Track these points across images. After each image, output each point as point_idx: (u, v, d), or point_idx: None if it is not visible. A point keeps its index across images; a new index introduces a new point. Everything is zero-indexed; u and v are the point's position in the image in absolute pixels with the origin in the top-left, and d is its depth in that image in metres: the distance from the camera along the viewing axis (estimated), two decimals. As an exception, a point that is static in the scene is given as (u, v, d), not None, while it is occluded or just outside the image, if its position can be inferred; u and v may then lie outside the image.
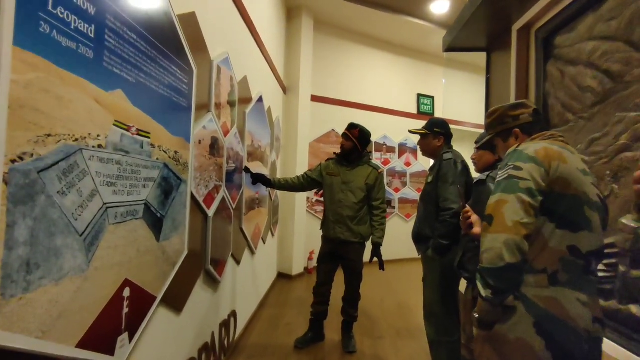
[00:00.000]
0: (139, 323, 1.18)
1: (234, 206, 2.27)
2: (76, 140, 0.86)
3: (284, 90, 4.51)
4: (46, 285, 0.78)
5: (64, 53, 0.81)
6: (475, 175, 1.97)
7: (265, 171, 3.30)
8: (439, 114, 6.06)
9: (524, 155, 0.99)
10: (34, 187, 0.74)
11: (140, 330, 1.19)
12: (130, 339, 1.13)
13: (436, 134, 2.06)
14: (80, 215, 0.88)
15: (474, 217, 1.24)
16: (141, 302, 1.19)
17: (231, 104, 2.17)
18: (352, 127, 2.52)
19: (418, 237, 2.02)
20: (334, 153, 2.66)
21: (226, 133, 2.07)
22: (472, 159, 1.70)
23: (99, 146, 0.95)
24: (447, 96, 5.24)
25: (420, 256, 2.08)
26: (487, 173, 1.47)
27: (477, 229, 1.22)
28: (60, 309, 0.83)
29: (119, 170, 1.04)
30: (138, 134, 1.13)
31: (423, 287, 2.03)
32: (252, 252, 2.93)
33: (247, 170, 2.30)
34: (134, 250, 1.13)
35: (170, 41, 1.35)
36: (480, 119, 6.39)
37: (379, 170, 2.56)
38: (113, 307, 1.03)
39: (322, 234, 2.61)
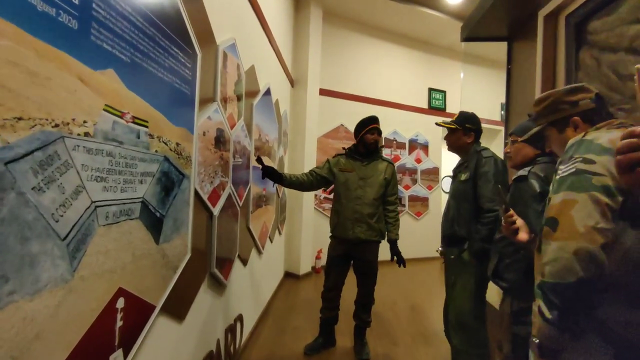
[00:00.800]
0: (135, 337, 1.05)
1: (240, 204, 2.13)
2: (56, 126, 0.72)
3: (292, 83, 4.36)
4: (17, 301, 0.65)
5: (38, 19, 0.67)
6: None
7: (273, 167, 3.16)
8: (451, 109, 5.87)
9: (595, 146, 0.81)
10: (0, 181, 0.60)
11: (136, 344, 1.05)
12: (125, 355, 1.00)
13: (467, 129, 1.91)
14: (62, 216, 0.74)
15: (520, 221, 1.09)
16: (138, 313, 1.05)
17: (238, 94, 2.02)
18: (377, 120, 2.39)
19: (451, 239, 1.85)
20: (343, 148, 2.52)
21: (232, 125, 1.92)
22: (505, 152, 1.53)
23: (86, 134, 0.81)
24: (463, 91, 5.03)
25: (447, 258, 1.91)
26: (527, 168, 1.31)
27: (523, 235, 1.06)
28: (37, 328, 0.69)
29: (111, 163, 0.90)
30: (134, 122, 0.99)
31: (451, 294, 1.85)
32: (259, 252, 2.79)
33: (259, 160, 2.14)
34: (129, 255, 0.99)
35: (172, 20, 1.20)
36: (495, 115, 6.22)
37: (394, 164, 2.45)
38: (104, 321, 0.89)
39: (333, 234, 2.43)
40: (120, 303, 0.96)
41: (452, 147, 1.98)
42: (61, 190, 0.74)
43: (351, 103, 5.06)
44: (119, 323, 0.96)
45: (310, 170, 2.43)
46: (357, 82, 5.16)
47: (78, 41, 0.77)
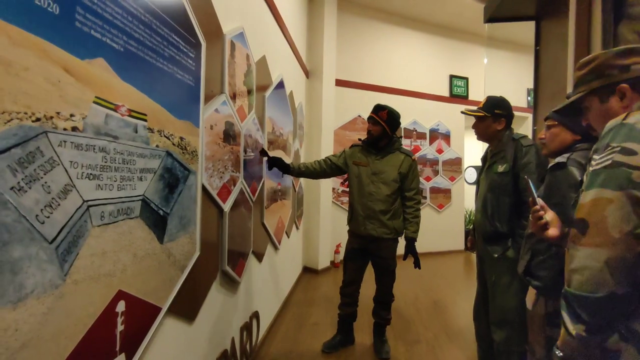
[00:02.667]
0: (139, 340, 1.00)
1: (253, 199, 2.08)
2: (37, 120, 0.66)
3: (307, 74, 4.26)
4: (-2, 311, 0.60)
5: (10, 2, 0.61)
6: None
7: (287, 160, 3.09)
8: (474, 96, 5.62)
9: (638, 133, 0.68)
10: (-30, 182, 0.55)
11: (141, 348, 1.01)
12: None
13: (497, 116, 1.75)
14: (48, 218, 0.68)
15: (550, 215, 0.96)
16: (141, 316, 1.01)
17: (248, 85, 1.95)
18: (379, 108, 2.23)
19: (493, 236, 1.70)
20: (359, 139, 2.37)
21: (243, 118, 1.86)
22: (540, 138, 1.39)
23: (74, 129, 0.75)
24: (486, 77, 4.79)
25: (487, 257, 1.76)
26: (566, 155, 1.17)
27: (553, 231, 0.94)
28: (23, 338, 0.64)
29: (105, 160, 0.84)
30: (130, 115, 0.93)
31: (493, 292, 1.73)
32: (276, 248, 2.74)
33: (263, 152, 2.07)
34: (129, 256, 0.94)
35: (171, 6, 1.13)
36: (522, 101, 5.92)
37: (413, 158, 2.28)
38: (102, 326, 0.85)
39: (349, 228, 2.37)
40: (121, 306, 0.91)
41: (482, 136, 1.82)
42: (46, 189, 0.68)
43: (368, 93, 4.91)
44: (120, 327, 0.91)
45: (325, 158, 2.35)
46: (374, 72, 5.00)
47: (60, 27, 0.71)
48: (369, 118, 2.25)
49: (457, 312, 3.07)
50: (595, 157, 0.75)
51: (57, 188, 0.71)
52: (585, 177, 0.77)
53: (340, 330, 2.39)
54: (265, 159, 2.12)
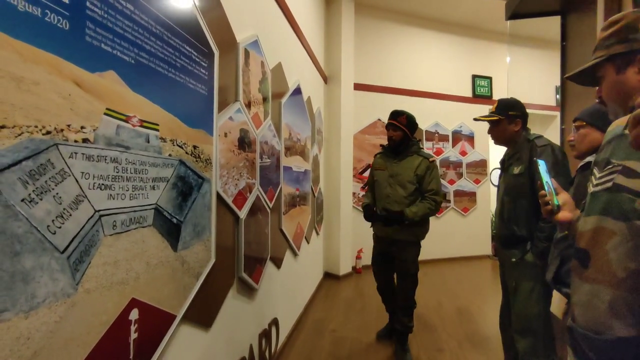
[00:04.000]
0: (153, 348, 1.01)
1: (271, 205, 2.08)
2: (48, 133, 0.68)
3: (325, 80, 4.26)
4: (10, 320, 0.61)
5: (21, 20, 0.63)
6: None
7: (306, 166, 3.09)
8: (498, 96, 5.44)
9: None
10: (-18, 194, 0.57)
11: (155, 355, 1.02)
12: (143, 368, 0.96)
13: (512, 117, 1.70)
14: (59, 228, 0.70)
15: (563, 197, 0.84)
16: (155, 324, 1.02)
17: (263, 92, 1.96)
18: (398, 114, 2.27)
19: (511, 240, 1.67)
20: (380, 145, 2.45)
21: (258, 125, 1.87)
22: (568, 140, 1.31)
23: (85, 140, 0.77)
24: (511, 76, 4.63)
25: (506, 261, 1.72)
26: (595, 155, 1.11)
27: (564, 215, 0.83)
28: (35, 346, 0.66)
29: (117, 170, 0.86)
30: (141, 126, 0.95)
31: (514, 299, 1.67)
32: (295, 254, 2.73)
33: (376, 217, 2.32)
34: (142, 264, 0.95)
35: (182, 17, 1.16)
36: (550, 99, 5.70)
37: (431, 159, 2.26)
38: (115, 334, 0.86)
39: (373, 231, 2.45)
40: (134, 314, 0.92)
41: (500, 140, 1.78)
42: (58, 200, 0.70)
43: (388, 96, 4.85)
44: (134, 335, 0.92)
45: (367, 192, 2.52)
46: (393, 74, 4.94)
47: (70, 42, 0.73)
48: (389, 125, 2.28)
49: (483, 320, 2.95)
50: (595, 172, 0.66)
51: (69, 199, 0.73)
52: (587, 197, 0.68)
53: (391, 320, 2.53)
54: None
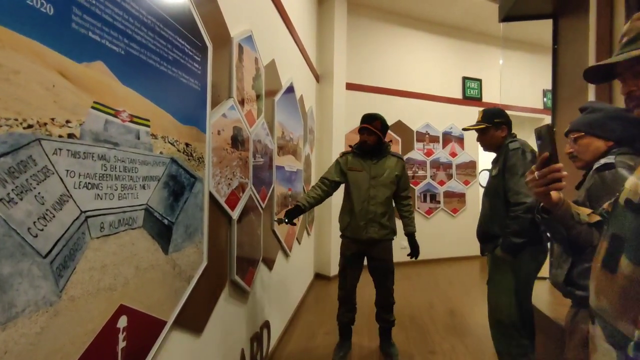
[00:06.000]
0: (143, 356, 0.95)
1: (263, 205, 2.03)
2: (29, 127, 0.62)
3: (317, 78, 4.22)
4: (-15, 332, 0.55)
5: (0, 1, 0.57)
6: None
7: (299, 165, 3.05)
8: (488, 98, 5.50)
9: None
10: (-46, 194, 0.51)
11: (145, 364, 0.96)
12: (131, 378, 0.90)
13: (498, 124, 1.83)
14: (41, 230, 0.64)
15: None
16: (145, 331, 0.96)
17: (257, 90, 1.91)
18: (372, 118, 2.25)
19: (484, 236, 1.82)
20: (350, 146, 2.41)
21: (252, 123, 1.81)
22: (567, 153, 1.29)
23: (70, 136, 0.71)
24: (502, 78, 4.66)
25: (486, 256, 1.86)
26: (610, 157, 1.09)
27: (556, 194, 0.81)
28: (13, 359, 0.60)
29: (104, 168, 0.80)
30: (131, 121, 0.89)
31: (487, 291, 1.81)
32: (286, 255, 2.69)
33: (281, 221, 2.09)
34: (131, 268, 0.90)
35: (176, 8, 1.10)
36: (538, 103, 5.77)
37: (403, 159, 2.37)
38: (102, 343, 0.80)
39: (344, 234, 2.34)
40: (123, 322, 0.87)
41: (488, 147, 1.89)
42: (40, 200, 0.64)
43: (380, 96, 4.85)
44: (122, 344, 0.87)
45: (322, 179, 2.32)
46: (385, 75, 4.93)
47: (55, 29, 0.67)
48: (363, 129, 2.25)
49: (475, 320, 2.95)
50: None
51: (52, 199, 0.67)
52: None
53: (346, 337, 2.38)
54: (285, 220, 2.10)
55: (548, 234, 1.40)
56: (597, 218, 0.85)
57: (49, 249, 0.66)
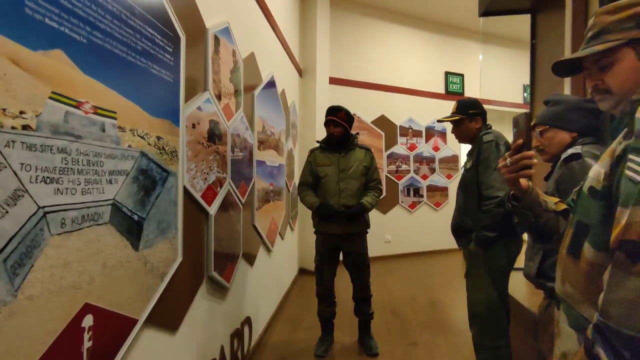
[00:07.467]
0: (111, 356, 0.93)
1: (243, 200, 2.00)
2: (-23, 117, 0.59)
3: (300, 73, 4.19)
4: None
5: (-62, -18, 0.53)
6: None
7: (281, 160, 3.02)
8: (470, 93, 5.56)
9: None
10: None
11: (114, 364, 0.93)
12: (99, 378, 0.88)
13: (472, 116, 1.80)
14: (-7, 227, 0.61)
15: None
16: (113, 330, 0.93)
17: (235, 83, 1.88)
18: (337, 110, 2.25)
19: (458, 230, 1.82)
20: (317, 141, 2.43)
21: (229, 117, 1.78)
22: (535, 147, 1.31)
23: (25, 127, 0.67)
24: (482, 73, 4.73)
25: (462, 250, 1.88)
26: (577, 147, 1.11)
27: (525, 182, 0.83)
28: (-37, 364, 0.57)
29: (65, 162, 0.77)
30: (95, 113, 0.86)
31: (465, 284, 1.82)
32: (269, 250, 2.67)
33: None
34: (97, 266, 0.87)
35: (144, -4, 1.06)
36: (518, 97, 5.87)
37: (371, 150, 2.39)
38: (65, 343, 0.77)
39: (318, 230, 2.34)
40: (88, 321, 0.84)
41: (463, 138, 1.87)
42: (-10, 195, 0.61)
43: (363, 91, 4.85)
44: (87, 344, 0.84)
45: (303, 185, 2.37)
46: (368, 69, 4.93)
47: (6, 13, 0.63)
48: (329, 121, 2.25)
49: (456, 312, 3.01)
50: (634, 158, 0.58)
51: (5, 193, 0.63)
52: (620, 185, 0.61)
53: (328, 331, 2.38)
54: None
55: (517, 223, 1.42)
56: (564, 206, 0.87)
57: (1, 247, 0.63)
